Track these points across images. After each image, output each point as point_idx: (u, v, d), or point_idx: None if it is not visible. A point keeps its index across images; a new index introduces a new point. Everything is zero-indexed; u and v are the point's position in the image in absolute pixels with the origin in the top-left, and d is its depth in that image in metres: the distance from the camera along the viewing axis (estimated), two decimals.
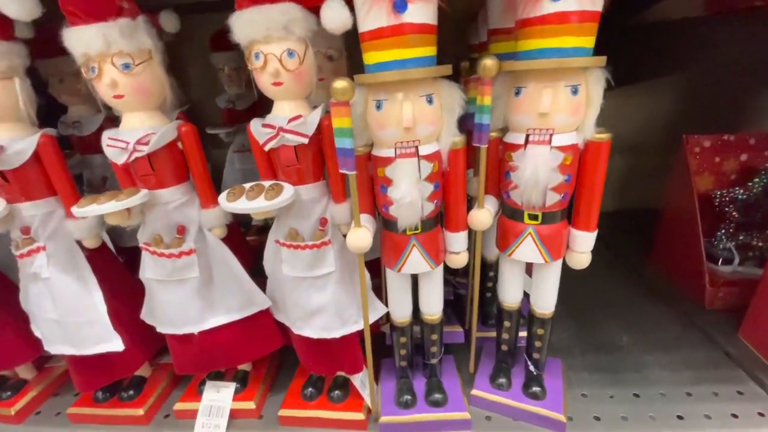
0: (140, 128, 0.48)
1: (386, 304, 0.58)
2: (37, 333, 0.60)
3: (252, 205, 0.45)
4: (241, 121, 1.00)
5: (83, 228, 0.54)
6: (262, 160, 0.50)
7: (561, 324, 0.77)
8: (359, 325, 0.55)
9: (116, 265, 0.65)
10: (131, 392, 0.65)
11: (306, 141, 0.46)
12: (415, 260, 0.50)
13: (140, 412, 0.63)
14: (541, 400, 0.57)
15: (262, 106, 0.51)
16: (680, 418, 0.57)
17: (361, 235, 0.45)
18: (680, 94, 1.12)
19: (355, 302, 0.55)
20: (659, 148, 1.07)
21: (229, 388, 0.64)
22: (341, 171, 0.43)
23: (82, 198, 0.49)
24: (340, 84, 0.38)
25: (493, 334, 0.64)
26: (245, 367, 0.70)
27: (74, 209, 0.47)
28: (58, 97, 0.73)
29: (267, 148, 0.48)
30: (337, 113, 0.40)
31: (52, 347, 0.56)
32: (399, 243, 0.49)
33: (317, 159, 0.50)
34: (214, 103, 1.03)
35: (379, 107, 0.43)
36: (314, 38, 0.45)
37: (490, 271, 0.71)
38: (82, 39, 0.43)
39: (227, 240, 0.57)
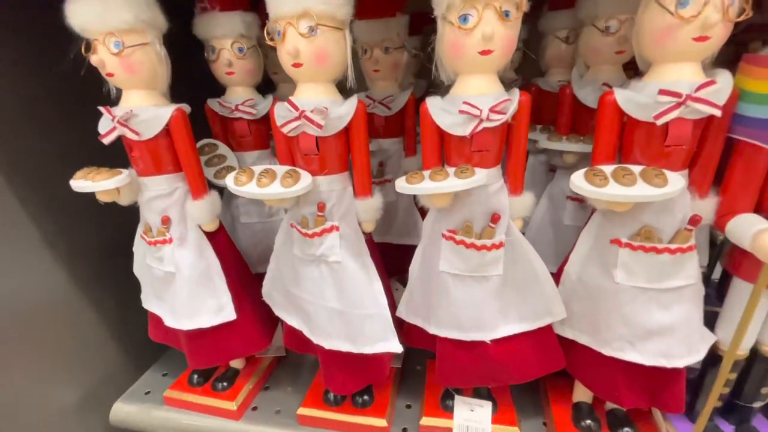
0: (490, 94, 0.41)
1: None
2: (292, 322, 0.55)
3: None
4: None
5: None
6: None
7: None
8: (701, 355, 0.45)
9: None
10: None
11: (719, 113, 0.36)
12: None
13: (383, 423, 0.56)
14: None
15: None
16: None
17: None
18: None
19: (700, 325, 0.45)
20: None
21: (484, 408, 0.56)
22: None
23: None
24: None
25: None
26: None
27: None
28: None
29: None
30: None
31: (327, 341, 0.50)
32: None
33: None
34: None
35: None
36: None
37: None
38: None
39: None
